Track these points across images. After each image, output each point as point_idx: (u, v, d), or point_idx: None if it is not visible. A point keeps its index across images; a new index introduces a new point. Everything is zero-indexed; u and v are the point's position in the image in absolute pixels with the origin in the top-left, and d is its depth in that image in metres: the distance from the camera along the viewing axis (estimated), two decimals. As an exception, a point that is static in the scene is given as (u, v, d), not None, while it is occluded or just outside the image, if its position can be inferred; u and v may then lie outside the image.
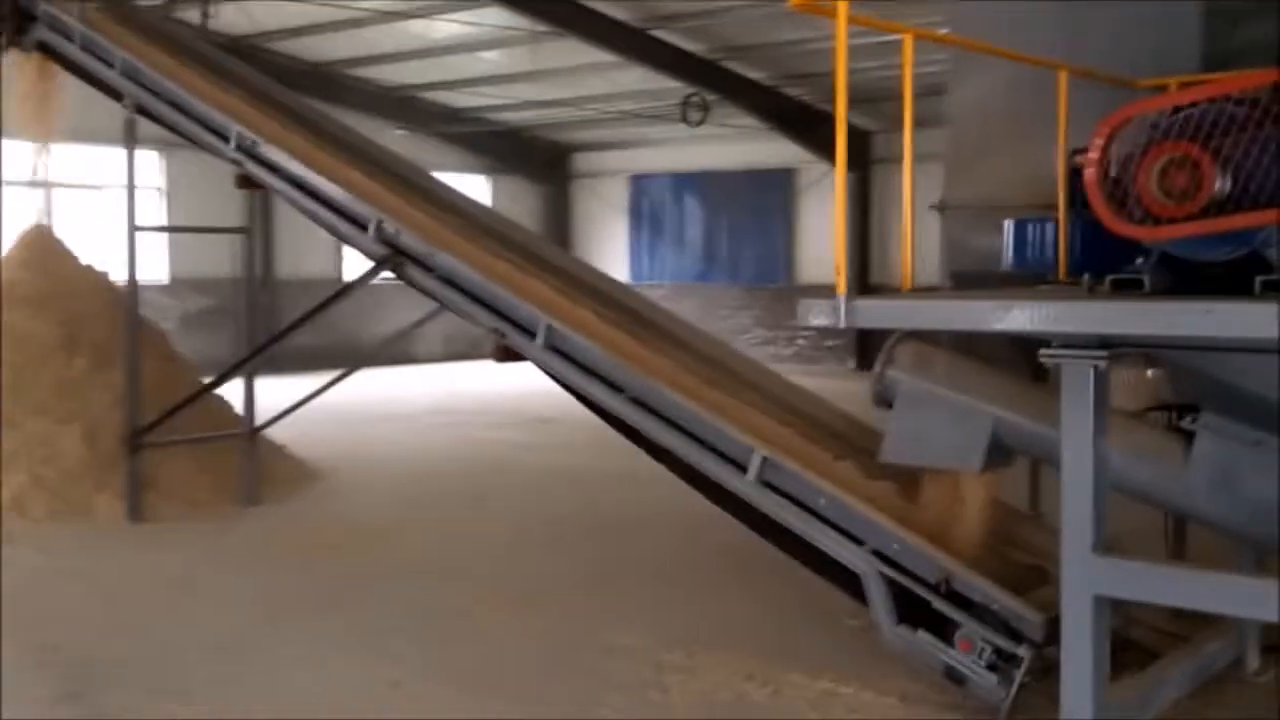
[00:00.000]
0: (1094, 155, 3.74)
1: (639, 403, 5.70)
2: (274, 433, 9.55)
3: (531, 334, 6.07)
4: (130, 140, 8.11)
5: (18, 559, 7.37)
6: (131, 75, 7.96)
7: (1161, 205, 3.57)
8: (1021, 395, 5.07)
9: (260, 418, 8.97)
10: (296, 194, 7.17)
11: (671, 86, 17.78)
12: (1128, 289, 3.90)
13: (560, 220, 23.47)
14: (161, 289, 17.18)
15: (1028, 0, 6.60)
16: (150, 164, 17.41)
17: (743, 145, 20.48)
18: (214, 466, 9.21)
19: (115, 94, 8.17)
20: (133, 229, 8.10)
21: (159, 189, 17.60)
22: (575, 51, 16.78)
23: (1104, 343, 3.95)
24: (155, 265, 16.71)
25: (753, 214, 21.20)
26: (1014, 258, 6.11)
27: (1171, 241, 3.68)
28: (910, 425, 5.15)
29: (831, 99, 17.79)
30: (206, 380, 9.96)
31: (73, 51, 8.30)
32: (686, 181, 22.00)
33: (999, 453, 5.06)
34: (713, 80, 17.30)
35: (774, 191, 20.97)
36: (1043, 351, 4.06)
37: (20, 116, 9.00)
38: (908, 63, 4.61)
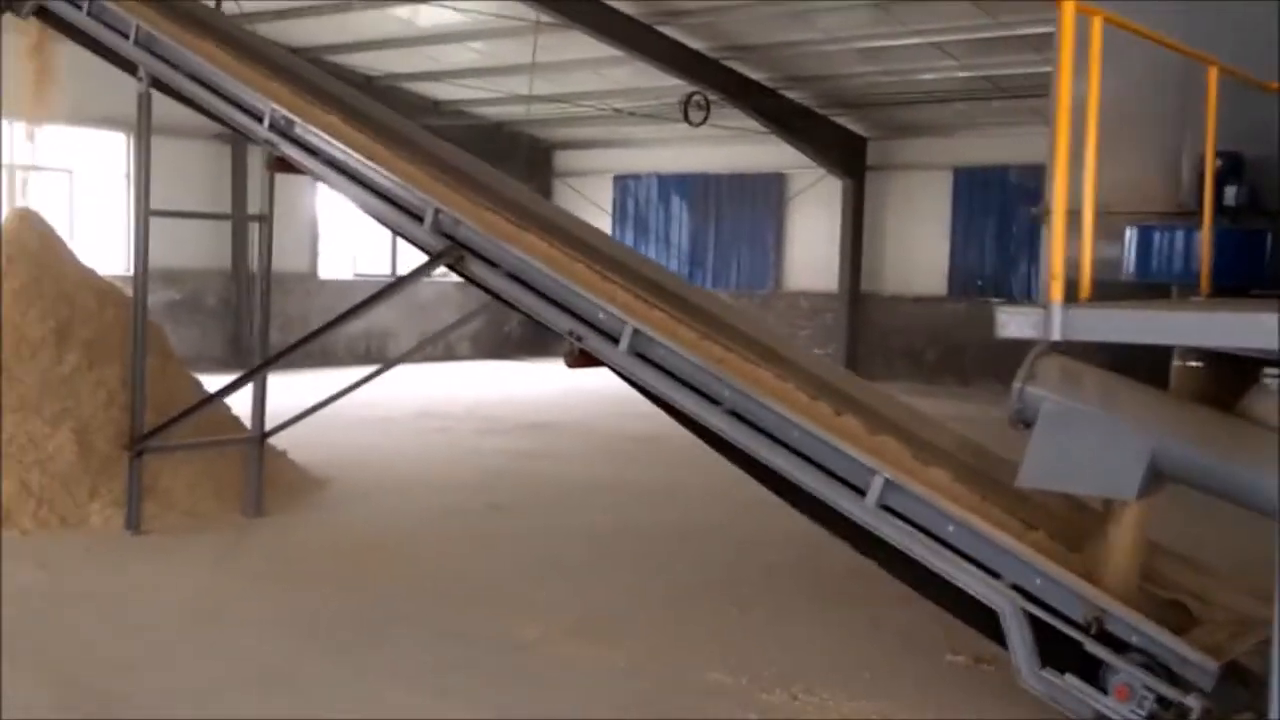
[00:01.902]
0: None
1: (737, 416, 5.17)
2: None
3: (614, 338, 5.52)
4: (144, 118, 7.43)
5: (11, 575, 6.63)
6: (149, 46, 7.28)
7: None
8: (1183, 416, 4.62)
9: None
10: (339, 179, 6.55)
11: (668, 84, 17.30)
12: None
13: (539, 220, 22.87)
14: (127, 281, 16.32)
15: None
16: (117, 148, 16.60)
17: (732, 148, 20.06)
18: (213, 473, 8.52)
19: (128, 67, 7.49)
20: (145, 214, 7.42)
21: (126, 175, 16.74)
22: (569, 45, 16.25)
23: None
24: (119, 256, 15.87)
25: (741, 218, 20.77)
26: (1137, 267, 5.69)
27: None
28: (1055, 448, 4.67)
29: (829, 103, 17.33)
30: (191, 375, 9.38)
31: (80, 19, 7.60)
32: (674, 183, 21.52)
33: (1155, 479, 4.61)
34: (713, 79, 16.82)
35: (764, 196, 20.54)
36: (1267, 371, 3.61)
37: (15, 93, 8.28)
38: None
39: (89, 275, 9.17)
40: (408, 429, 12.82)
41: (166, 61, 7.25)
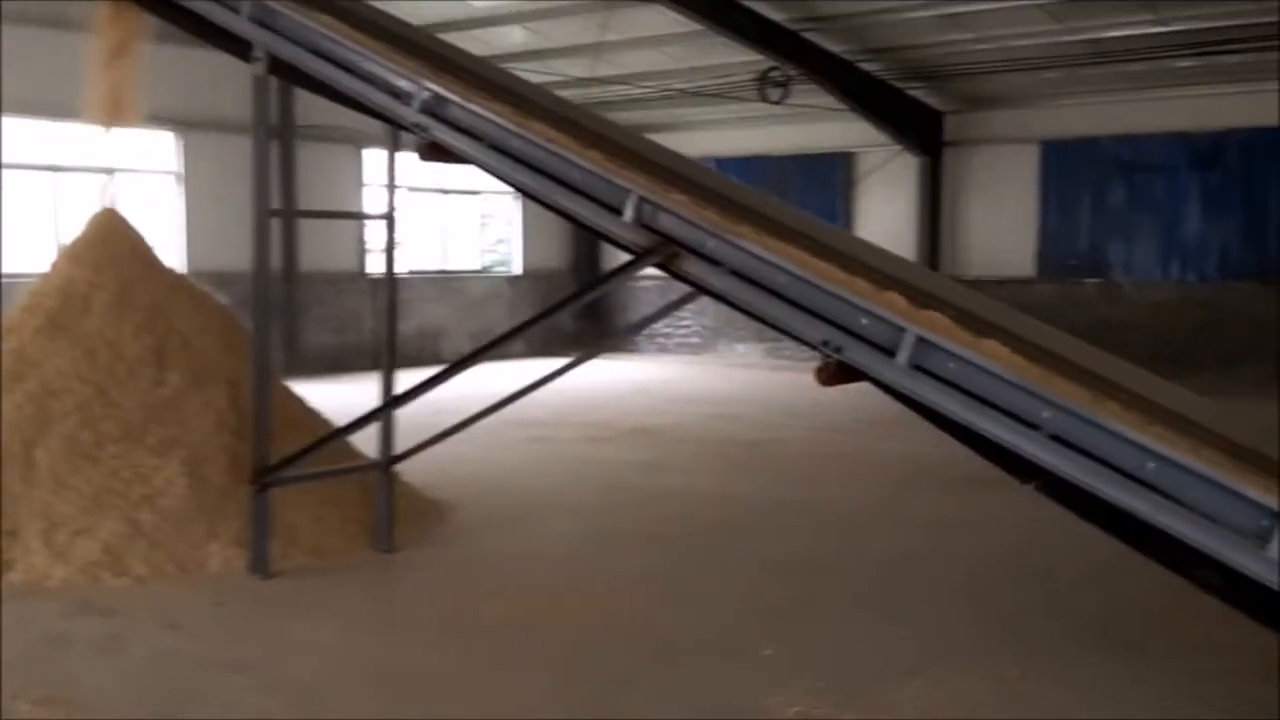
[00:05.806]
0: None
1: (1064, 442, 4.21)
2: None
3: (887, 350, 4.55)
4: (261, 104, 6.47)
5: (137, 638, 5.68)
6: (265, 21, 6.32)
7: None
8: None
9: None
10: (509, 168, 5.59)
11: (735, 61, 16.33)
12: None
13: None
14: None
15: None
16: (165, 147, 15.60)
17: (794, 127, 19.09)
18: (336, 503, 7.59)
19: (238, 48, 6.53)
20: (265, 213, 6.45)
21: (176, 174, 15.75)
22: (632, 23, 15.33)
23: None
24: (171, 259, 14.88)
25: (807, 201, 19.76)
26: None
27: None
28: None
29: (906, 76, 16.08)
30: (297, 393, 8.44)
31: (180, -7, 6.64)
32: (733, 166, 20.51)
33: None
34: (788, 53, 15.84)
35: (831, 177, 19.57)
36: None
37: (95, 89, 7.34)
38: None
39: (181, 281, 8.22)
40: (503, 439, 11.73)
41: (288, 38, 6.28)
